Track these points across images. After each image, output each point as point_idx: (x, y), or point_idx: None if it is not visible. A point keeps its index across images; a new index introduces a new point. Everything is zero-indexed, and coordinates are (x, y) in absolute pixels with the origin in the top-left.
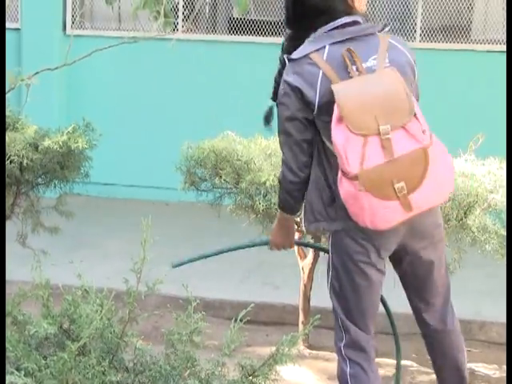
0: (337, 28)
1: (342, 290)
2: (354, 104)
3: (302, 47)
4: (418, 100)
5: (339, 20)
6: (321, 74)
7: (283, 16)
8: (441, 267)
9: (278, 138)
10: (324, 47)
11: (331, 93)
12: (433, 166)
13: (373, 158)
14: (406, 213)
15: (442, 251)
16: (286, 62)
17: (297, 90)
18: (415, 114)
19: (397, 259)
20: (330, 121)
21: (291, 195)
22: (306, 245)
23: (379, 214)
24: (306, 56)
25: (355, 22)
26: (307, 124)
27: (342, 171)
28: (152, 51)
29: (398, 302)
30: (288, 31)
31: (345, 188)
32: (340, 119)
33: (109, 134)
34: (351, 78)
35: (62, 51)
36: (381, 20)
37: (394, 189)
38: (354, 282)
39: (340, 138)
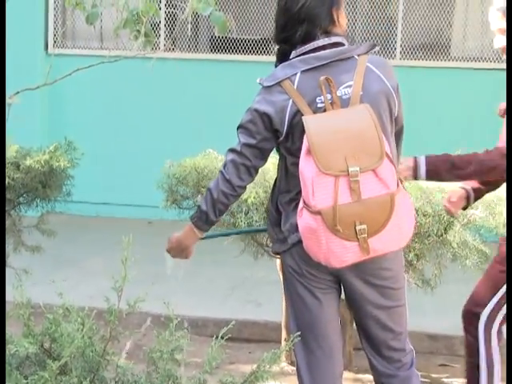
0: (313, 51)
1: (293, 308)
2: (325, 141)
3: (275, 71)
4: (402, 126)
5: (316, 42)
6: (290, 103)
7: (266, 34)
8: (385, 310)
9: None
10: (296, 74)
11: (299, 123)
12: (397, 212)
13: (340, 197)
14: (362, 255)
15: (391, 297)
16: (260, 85)
17: (265, 118)
18: (388, 156)
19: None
20: (296, 149)
21: (216, 206)
22: (218, 235)
23: (336, 252)
24: (278, 84)
25: (335, 44)
26: (265, 153)
27: (305, 203)
28: (134, 70)
29: None
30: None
31: (305, 220)
32: (309, 152)
33: (90, 152)
34: (321, 108)
35: (44, 70)
36: (362, 38)
37: (356, 230)
38: (302, 299)
39: (309, 171)
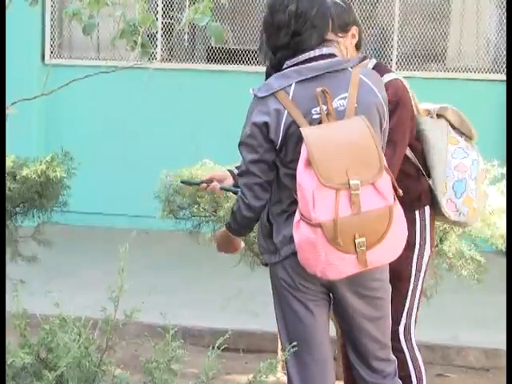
0: (306, 61)
1: (285, 320)
2: (325, 153)
3: (269, 81)
4: (385, 141)
5: (309, 53)
6: (285, 114)
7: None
8: (374, 321)
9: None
10: (290, 85)
11: (294, 134)
12: (394, 225)
13: (340, 210)
14: (360, 267)
15: (379, 308)
16: (252, 97)
17: (264, 128)
18: (386, 168)
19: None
20: (289, 161)
21: (243, 226)
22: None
23: (334, 265)
24: (272, 94)
25: (328, 55)
26: (272, 165)
27: (303, 216)
28: (130, 80)
29: None
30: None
31: (303, 233)
32: (308, 163)
33: (87, 162)
34: (316, 119)
35: (41, 80)
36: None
37: (355, 243)
38: (295, 311)
39: (308, 183)
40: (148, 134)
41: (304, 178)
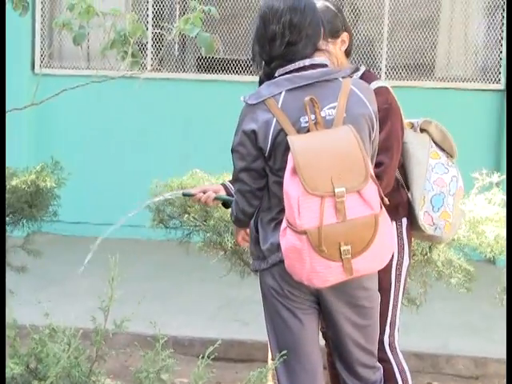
0: (298, 70)
1: (274, 328)
2: (310, 161)
3: (260, 89)
4: (375, 150)
5: (300, 62)
6: (274, 122)
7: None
8: (361, 330)
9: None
10: (280, 93)
11: (282, 142)
12: (380, 233)
13: (325, 218)
14: (345, 275)
15: (367, 316)
16: (243, 104)
17: (253, 136)
18: (372, 177)
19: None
20: (278, 169)
21: (242, 224)
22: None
23: (319, 272)
24: (262, 102)
25: (319, 65)
26: (262, 173)
27: (289, 223)
28: (121, 90)
29: None
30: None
31: (289, 240)
32: (294, 171)
33: (77, 172)
34: (304, 128)
35: (31, 90)
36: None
37: (340, 251)
38: (283, 319)
39: (295, 191)
40: (138, 143)
41: (290, 185)
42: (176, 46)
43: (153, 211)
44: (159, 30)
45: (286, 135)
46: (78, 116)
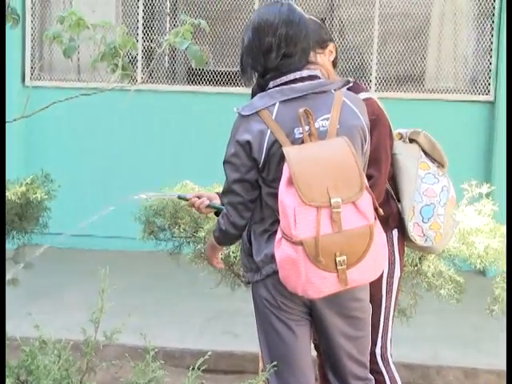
0: (290, 82)
1: (267, 340)
2: (306, 172)
3: (253, 100)
4: (366, 161)
5: (293, 74)
6: (268, 133)
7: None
8: (353, 341)
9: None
10: (274, 105)
11: (276, 153)
12: (374, 243)
13: (321, 228)
14: (340, 286)
15: (359, 327)
16: (236, 115)
17: (247, 147)
18: (367, 188)
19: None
20: (271, 180)
21: (227, 240)
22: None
23: (314, 283)
24: (256, 113)
25: (311, 77)
26: (255, 184)
27: (284, 234)
28: (111, 102)
29: None
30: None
31: (284, 251)
32: (290, 182)
33: (67, 184)
34: (298, 139)
35: (22, 102)
36: (337, 71)
37: (335, 261)
38: (277, 331)
39: (291, 201)
40: (128, 155)
41: (286, 196)
42: (166, 58)
43: (143, 223)
44: (149, 43)
45: (280, 146)
46: (68, 128)
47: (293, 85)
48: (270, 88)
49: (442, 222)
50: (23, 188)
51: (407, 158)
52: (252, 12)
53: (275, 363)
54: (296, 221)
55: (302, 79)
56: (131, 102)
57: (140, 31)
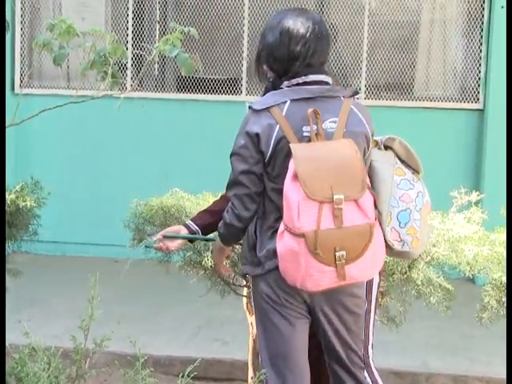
0: (303, 84)
1: (266, 335)
2: (311, 169)
3: (265, 97)
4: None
5: (307, 77)
6: (277, 128)
7: (233, 74)
8: (351, 334)
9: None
10: (285, 102)
11: (283, 149)
12: (373, 242)
13: (322, 223)
14: (338, 281)
15: (354, 322)
16: (248, 109)
17: (256, 139)
18: (369, 187)
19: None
20: (276, 175)
21: (231, 235)
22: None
23: (313, 276)
24: (266, 109)
25: (323, 82)
26: (261, 178)
27: (287, 226)
28: (100, 110)
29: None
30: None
31: (286, 243)
32: (296, 177)
33: (57, 191)
34: (306, 137)
35: (11, 110)
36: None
37: (335, 256)
38: (276, 326)
39: (295, 195)
40: (118, 163)
41: (291, 190)
42: (156, 66)
43: (132, 230)
44: (139, 51)
45: (288, 143)
46: (57, 136)
47: (305, 86)
48: (282, 87)
49: (419, 226)
50: (12, 195)
51: (383, 164)
52: (242, 19)
53: (263, 371)
54: (299, 213)
55: (314, 82)
56: (121, 110)
57: (130, 39)
